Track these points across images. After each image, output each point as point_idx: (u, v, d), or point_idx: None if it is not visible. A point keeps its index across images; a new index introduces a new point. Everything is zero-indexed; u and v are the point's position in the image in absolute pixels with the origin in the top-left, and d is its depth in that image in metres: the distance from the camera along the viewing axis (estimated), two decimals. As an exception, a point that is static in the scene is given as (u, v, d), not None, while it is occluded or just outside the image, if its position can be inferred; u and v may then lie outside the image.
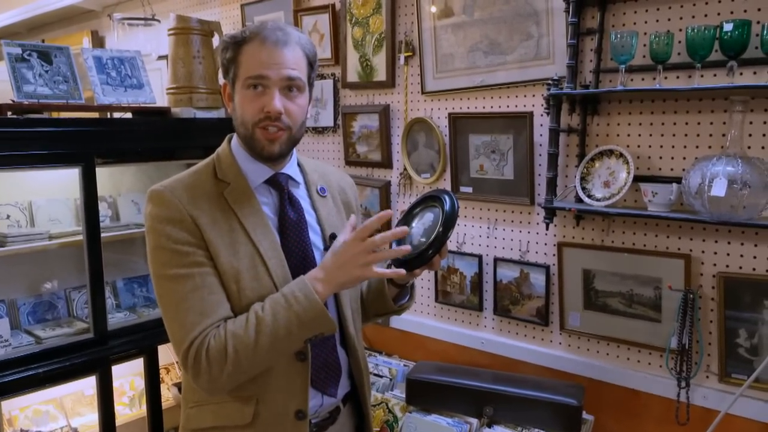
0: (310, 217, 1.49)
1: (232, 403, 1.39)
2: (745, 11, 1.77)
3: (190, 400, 1.47)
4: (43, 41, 4.35)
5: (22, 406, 2.72)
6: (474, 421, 2.11)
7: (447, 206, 1.39)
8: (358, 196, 1.70)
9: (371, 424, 1.63)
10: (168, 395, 2.95)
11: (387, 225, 1.56)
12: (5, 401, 2.38)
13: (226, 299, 1.35)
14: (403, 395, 2.28)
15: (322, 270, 1.34)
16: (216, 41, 2.99)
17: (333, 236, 1.49)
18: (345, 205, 1.61)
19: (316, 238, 1.48)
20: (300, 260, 1.43)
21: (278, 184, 1.46)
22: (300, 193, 1.51)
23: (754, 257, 1.83)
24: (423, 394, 2.21)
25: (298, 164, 1.54)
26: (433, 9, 2.40)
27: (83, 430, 2.73)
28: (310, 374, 1.41)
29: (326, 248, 1.48)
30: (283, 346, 1.32)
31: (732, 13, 1.79)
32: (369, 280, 1.61)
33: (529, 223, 2.29)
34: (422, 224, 1.44)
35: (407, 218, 1.48)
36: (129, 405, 2.99)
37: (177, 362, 3.13)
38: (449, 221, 1.37)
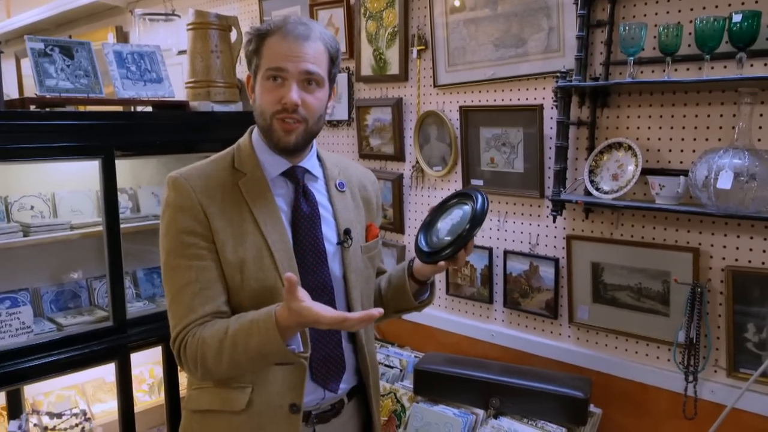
0: (325, 211, 1.50)
1: (230, 388, 1.42)
2: (756, 2, 1.75)
3: (192, 382, 1.53)
4: (69, 37, 4.44)
5: (45, 391, 2.80)
6: (480, 412, 2.12)
7: (478, 205, 1.44)
8: (380, 193, 1.71)
9: (379, 421, 1.63)
10: (186, 383, 3.01)
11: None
12: (28, 386, 2.47)
13: (222, 293, 1.38)
14: (412, 386, 2.30)
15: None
16: (234, 36, 3.03)
17: (347, 231, 1.51)
18: (364, 200, 1.61)
19: (330, 232, 1.50)
20: (312, 253, 1.45)
21: (294, 177, 1.48)
22: (317, 187, 1.52)
23: (764, 251, 1.80)
24: (430, 385, 2.23)
25: (319, 158, 1.56)
26: (456, 2, 2.40)
27: (102, 416, 2.81)
28: (308, 369, 1.42)
29: (339, 242, 1.50)
30: (250, 367, 1.36)
31: (743, 3, 1.77)
32: (389, 277, 1.63)
33: (539, 216, 2.29)
34: (450, 220, 1.48)
35: (438, 212, 1.53)
36: (148, 392, 3.05)
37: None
38: (476, 221, 1.41)
